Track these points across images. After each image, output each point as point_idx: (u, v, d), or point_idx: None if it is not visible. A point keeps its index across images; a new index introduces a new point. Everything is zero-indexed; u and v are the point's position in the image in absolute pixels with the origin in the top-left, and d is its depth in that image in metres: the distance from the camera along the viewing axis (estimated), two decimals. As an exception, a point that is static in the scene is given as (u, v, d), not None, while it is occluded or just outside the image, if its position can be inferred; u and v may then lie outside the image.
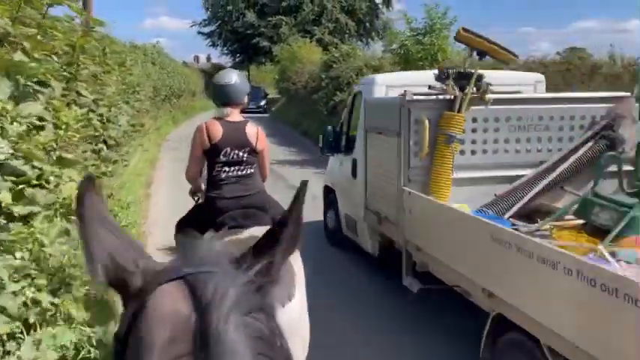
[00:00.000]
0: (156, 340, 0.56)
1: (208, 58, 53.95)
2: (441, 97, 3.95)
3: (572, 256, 2.32)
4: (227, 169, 2.88)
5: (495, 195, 3.95)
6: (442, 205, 3.54)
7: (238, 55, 43.87)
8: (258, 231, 1.89)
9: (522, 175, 4.02)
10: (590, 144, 4.01)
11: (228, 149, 2.86)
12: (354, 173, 5.13)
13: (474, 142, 4.08)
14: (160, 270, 0.64)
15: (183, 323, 0.56)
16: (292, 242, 0.68)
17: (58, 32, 3.28)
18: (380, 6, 42.81)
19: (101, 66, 5.58)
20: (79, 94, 3.92)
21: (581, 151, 3.98)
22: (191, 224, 2.82)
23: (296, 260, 2.40)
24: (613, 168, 3.87)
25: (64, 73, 3.67)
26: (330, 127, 6.08)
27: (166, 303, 0.59)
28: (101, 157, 5.36)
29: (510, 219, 3.76)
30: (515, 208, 3.82)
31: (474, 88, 3.89)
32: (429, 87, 3.97)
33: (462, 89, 3.87)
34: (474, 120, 4.03)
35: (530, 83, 5.01)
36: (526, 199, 3.86)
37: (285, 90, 24.83)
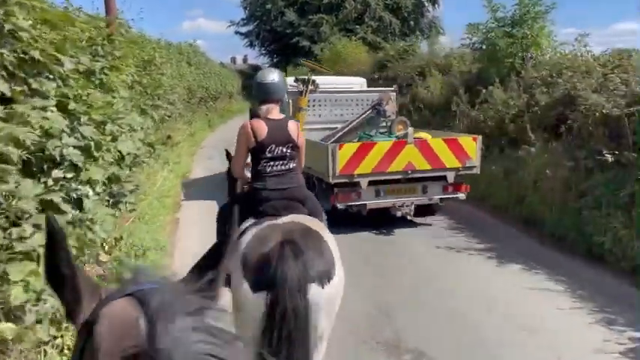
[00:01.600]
0: (107, 337, 0.63)
1: (245, 60, 52.86)
2: (295, 89, 7.16)
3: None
4: (272, 163, 3.03)
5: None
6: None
7: (276, 55, 42.37)
8: (297, 218, 2.79)
9: (337, 127, 7.35)
10: (369, 111, 7.43)
11: (273, 146, 2.99)
12: None
13: (312, 110, 7.40)
14: (108, 294, 0.71)
15: (132, 323, 0.63)
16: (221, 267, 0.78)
17: None
18: (426, 3, 40.57)
19: (105, 58, 3.80)
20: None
21: (365, 115, 7.44)
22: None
23: (331, 239, 2.66)
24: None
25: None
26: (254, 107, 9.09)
27: (116, 313, 0.66)
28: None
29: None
30: (334, 138, 7.08)
31: (311, 86, 7.26)
32: (295, 80, 7.41)
33: (305, 85, 7.24)
34: (312, 100, 7.37)
35: (357, 83, 8.64)
36: (337, 136, 7.19)
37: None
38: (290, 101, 6.62)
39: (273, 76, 3.13)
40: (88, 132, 2.66)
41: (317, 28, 36.46)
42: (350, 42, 24.20)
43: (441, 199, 6.57)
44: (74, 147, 2.45)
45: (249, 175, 3.18)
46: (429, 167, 6.20)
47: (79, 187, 2.56)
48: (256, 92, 3.14)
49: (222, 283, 0.78)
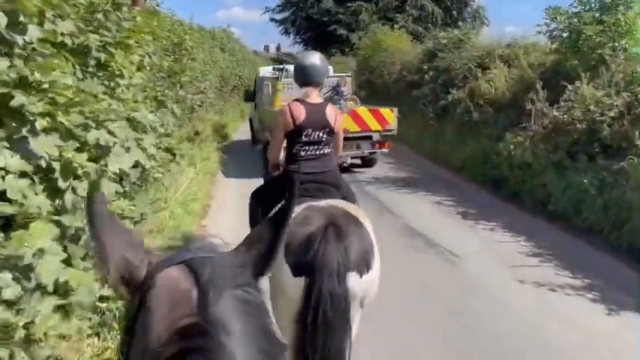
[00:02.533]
0: (161, 305, 0.66)
1: (278, 48, 51.87)
2: (273, 75, 10.01)
3: None
4: (307, 147, 2.99)
5: None
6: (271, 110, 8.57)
7: (311, 43, 41.11)
8: (335, 202, 2.71)
9: None
10: (330, 92, 9.27)
11: (310, 130, 2.95)
12: (255, 109, 11.57)
13: (286, 91, 9.11)
14: (161, 260, 0.74)
15: (184, 293, 0.66)
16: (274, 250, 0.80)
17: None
18: (470, -8, 38.64)
19: (109, 30, 2.70)
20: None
21: (326, 94, 8.98)
22: (265, 196, 2.97)
23: (370, 227, 2.56)
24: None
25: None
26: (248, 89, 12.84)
27: (169, 281, 0.69)
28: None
29: None
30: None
31: (285, 71, 9.60)
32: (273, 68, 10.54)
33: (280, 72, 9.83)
34: (286, 84, 9.21)
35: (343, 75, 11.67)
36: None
37: (368, 84, 21.59)
38: (269, 84, 9.87)
39: (314, 59, 3.09)
40: (44, 146, 1.58)
41: (355, 16, 35.08)
42: (392, 30, 22.70)
43: (370, 152, 9.57)
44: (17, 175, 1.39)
45: (282, 159, 3.18)
46: (358, 129, 8.89)
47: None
48: (297, 74, 3.11)
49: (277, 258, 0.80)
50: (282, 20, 40.78)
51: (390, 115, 9.16)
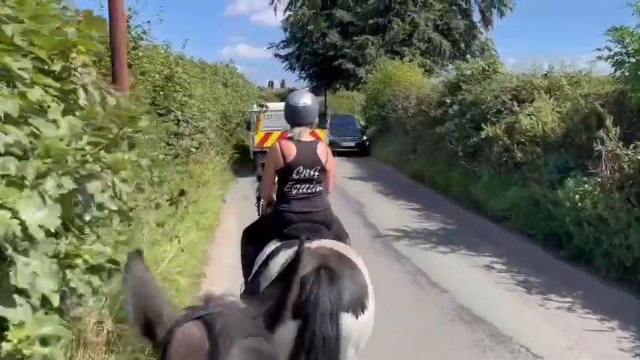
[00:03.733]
0: (176, 355, 0.74)
1: (282, 84, 51.31)
2: (258, 109, 14.03)
3: None
4: (298, 186, 2.96)
5: None
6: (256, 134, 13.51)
7: (316, 78, 40.34)
8: (328, 243, 2.70)
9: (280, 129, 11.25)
10: None
11: (301, 168, 2.93)
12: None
13: (267, 120, 13.53)
14: (181, 317, 0.81)
15: (198, 346, 0.73)
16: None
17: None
18: (478, 25, 38.05)
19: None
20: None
21: None
22: (257, 234, 3.03)
23: (364, 268, 2.59)
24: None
25: None
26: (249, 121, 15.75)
27: (185, 335, 0.76)
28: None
29: None
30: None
31: (265, 107, 13.90)
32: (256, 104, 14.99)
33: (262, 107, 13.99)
34: (267, 115, 13.58)
35: None
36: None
37: (379, 119, 20.35)
38: (255, 115, 13.88)
39: (305, 99, 3.07)
40: None
41: (362, 50, 34.26)
42: (402, 63, 21.65)
43: None
44: None
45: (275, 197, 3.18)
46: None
47: None
48: (288, 115, 3.09)
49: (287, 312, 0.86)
50: (287, 56, 40.13)
51: (323, 134, 12.96)
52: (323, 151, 3.01)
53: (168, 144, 8.53)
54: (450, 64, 38.30)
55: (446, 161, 11.14)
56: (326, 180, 3.11)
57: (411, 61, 22.03)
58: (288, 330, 2.21)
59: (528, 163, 8.07)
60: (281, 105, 13.61)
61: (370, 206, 9.71)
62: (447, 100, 12.07)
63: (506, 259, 6.47)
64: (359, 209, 9.49)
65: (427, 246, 7.14)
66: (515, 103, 9.48)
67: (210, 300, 0.83)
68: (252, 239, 3.05)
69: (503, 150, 8.76)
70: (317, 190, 2.99)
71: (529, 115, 8.67)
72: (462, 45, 37.27)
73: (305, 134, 3.02)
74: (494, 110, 9.78)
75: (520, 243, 7.25)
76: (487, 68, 11.82)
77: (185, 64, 10.11)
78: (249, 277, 2.84)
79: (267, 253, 2.74)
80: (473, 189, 9.60)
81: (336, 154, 19.84)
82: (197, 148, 9.96)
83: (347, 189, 11.54)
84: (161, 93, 6.68)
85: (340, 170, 15.12)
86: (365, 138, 19.35)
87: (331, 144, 19.91)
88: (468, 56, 37.44)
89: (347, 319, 2.29)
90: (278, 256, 2.62)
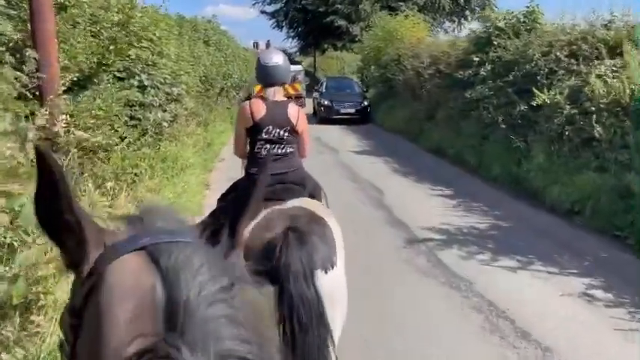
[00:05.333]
0: (117, 316, 0.50)
1: (268, 45, 48.32)
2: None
3: None
4: (268, 146, 2.96)
5: None
6: None
7: (306, 38, 37.70)
8: (299, 202, 2.67)
9: None
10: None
11: (270, 127, 2.93)
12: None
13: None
14: (117, 240, 0.58)
15: (147, 298, 0.50)
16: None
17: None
18: (478, -21, 35.46)
19: None
20: None
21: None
22: (231, 199, 2.95)
23: (335, 225, 2.55)
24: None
25: None
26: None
27: (127, 276, 0.53)
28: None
29: None
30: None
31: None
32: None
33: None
34: None
35: (299, 69, 21.04)
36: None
37: (382, 81, 18.21)
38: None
39: (276, 58, 3.01)
40: None
41: (355, 6, 31.61)
42: (406, 18, 19.34)
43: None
44: None
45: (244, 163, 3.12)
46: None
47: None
48: (260, 75, 3.03)
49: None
50: (274, 13, 37.35)
51: (299, 86, 17.49)
52: (294, 111, 2.97)
53: (131, 118, 6.47)
54: (446, 21, 36.11)
55: (477, 133, 9.17)
56: (299, 143, 3.07)
57: (406, 17, 19.66)
58: (268, 297, 2.08)
59: (607, 141, 6.15)
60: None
61: (390, 193, 7.77)
62: (475, 59, 10.01)
63: (604, 281, 4.63)
64: (378, 198, 7.55)
65: (485, 257, 5.26)
66: (573, 61, 7.50)
67: (153, 214, 0.61)
68: (225, 205, 2.93)
69: (566, 122, 6.82)
70: (288, 151, 2.97)
71: (600, 76, 6.71)
72: (462, 0, 34.87)
73: (279, 94, 2.99)
74: (546, 71, 7.79)
75: (606, 249, 5.41)
76: (524, 20, 9.74)
77: (155, 15, 7.88)
78: None
79: None
80: (520, 171, 7.69)
81: (332, 121, 17.50)
82: (172, 122, 7.88)
83: (357, 168, 9.56)
84: (111, 48, 4.58)
85: (343, 143, 13.13)
86: (366, 103, 17.26)
87: (328, 110, 17.88)
88: (467, 12, 35.23)
89: (319, 276, 2.27)
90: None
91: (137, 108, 6.57)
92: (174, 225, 0.60)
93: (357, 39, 28.29)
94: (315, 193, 3.00)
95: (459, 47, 11.59)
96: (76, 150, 3.95)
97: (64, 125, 3.93)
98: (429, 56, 13.32)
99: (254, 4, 37.69)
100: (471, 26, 11.60)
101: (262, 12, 37.38)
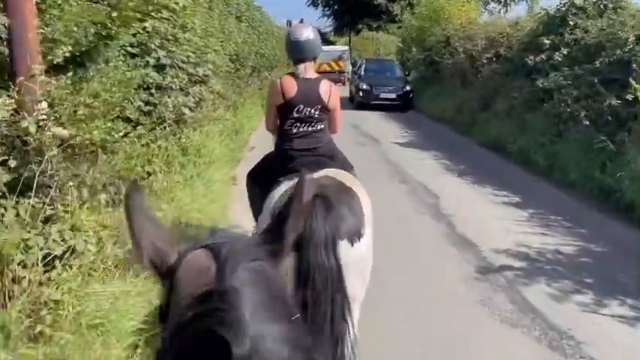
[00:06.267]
0: (185, 283, 0.74)
1: (301, 22, 47.10)
2: None
3: None
4: (298, 124, 2.92)
5: None
6: None
7: (341, 17, 36.16)
8: (331, 172, 2.64)
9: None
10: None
11: (301, 106, 2.88)
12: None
13: None
14: (188, 247, 0.81)
15: (204, 269, 0.73)
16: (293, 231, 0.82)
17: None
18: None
19: None
20: None
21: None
22: (262, 174, 3.00)
23: (365, 196, 2.51)
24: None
25: None
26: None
27: (193, 262, 0.77)
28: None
29: None
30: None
31: None
32: None
33: None
34: None
35: (344, 49, 26.59)
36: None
37: (427, 65, 16.81)
38: None
39: (307, 32, 2.92)
40: None
41: (396, -17, 29.94)
42: (454, -4, 17.77)
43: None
44: None
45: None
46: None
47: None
48: (291, 51, 2.95)
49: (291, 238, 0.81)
50: (309, -10, 35.89)
51: (342, 63, 21.96)
52: (326, 89, 2.91)
53: (146, 103, 5.45)
54: (491, 2, 33.97)
55: (549, 129, 7.84)
56: (331, 120, 3.04)
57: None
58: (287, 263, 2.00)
59: None
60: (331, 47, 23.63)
61: (448, 199, 6.57)
62: (546, 41, 8.61)
63: None
64: (433, 205, 6.36)
65: (585, 299, 4.05)
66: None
67: (214, 233, 1.27)
68: (258, 180, 3.02)
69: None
70: (318, 128, 2.94)
71: None
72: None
73: (310, 70, 2.91)
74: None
75: None
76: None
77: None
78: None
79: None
80: (604, 177, 6.39)
81: (371, 107, 16.01)
82: (195, 106, 6.82)
83: (404, 165, 8.37)
84: (113, 15, 3.53)
85: (384, 132, 11.87)
86: (409, 88, 15.90)
87: (367, 94, 16.60)
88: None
89: (343, 248, 2.24)
90: (280, 185, 2.60)
91: (153, 91, 5.55)
92: (231, 236, 0.92)
93: (397, 18, 26.72)
94: (344, 166, 2.96)
95: (523, 28, 10.16)
96: (56, 152, 2.91)
97: (42, 118, 2.89)
98: (485, 38, 11.91)
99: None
100: (539, 4, 10.10)
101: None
